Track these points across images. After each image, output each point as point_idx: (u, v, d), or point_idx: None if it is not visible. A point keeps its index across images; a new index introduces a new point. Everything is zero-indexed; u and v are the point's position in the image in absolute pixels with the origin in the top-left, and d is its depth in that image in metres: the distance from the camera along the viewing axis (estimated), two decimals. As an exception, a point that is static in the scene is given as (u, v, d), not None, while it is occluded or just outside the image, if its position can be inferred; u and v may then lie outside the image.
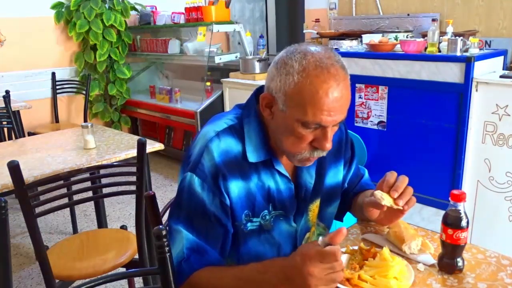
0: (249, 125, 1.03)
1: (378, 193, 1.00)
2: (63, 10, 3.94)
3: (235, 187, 0.99)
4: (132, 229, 1.94)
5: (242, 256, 1.05)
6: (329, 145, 0.94)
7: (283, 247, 1.09)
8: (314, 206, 1.13)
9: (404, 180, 1.02)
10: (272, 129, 1.02)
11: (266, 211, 1.04)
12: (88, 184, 1.69)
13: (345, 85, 0.92)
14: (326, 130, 0.93)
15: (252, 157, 1.01)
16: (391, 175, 1.03)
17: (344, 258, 0.99)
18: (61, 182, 1.61)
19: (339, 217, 1.30)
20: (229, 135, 1.01)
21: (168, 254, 0.91)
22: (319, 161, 1.11)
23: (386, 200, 1.00)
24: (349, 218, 1.31)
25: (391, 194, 1.00)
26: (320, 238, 0.82)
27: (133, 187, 1.71)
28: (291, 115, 0.93)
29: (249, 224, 1.03)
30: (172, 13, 4.08)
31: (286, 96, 0.93)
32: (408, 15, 3.33)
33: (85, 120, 3.90)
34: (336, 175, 1.18)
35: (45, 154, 2.02)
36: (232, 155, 1.00)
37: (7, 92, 2.97)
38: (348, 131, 1.24)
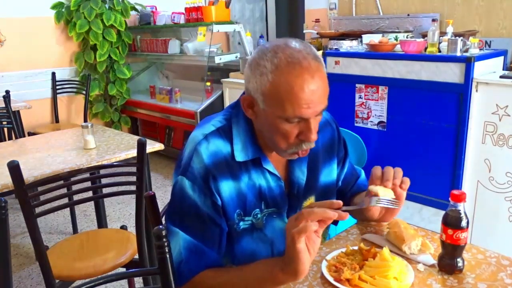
0: (237, 125, 1.04)
1: (374, 188, 0.99)
2: (63, 10, 3.94)
3: (226, 187, 1.00)
4: (132, 229, 1.94)
5: (237, 254, 1.06)
6: (314, 136, 0.95)
7: (276, 245, 1.09)
8: (308, 204, 1.13)
9: (389, 169, 1.03)
10: (258, 128, 1.03)
11: (257, 209, 1.05)
12: (88, 184, 1.69)
13: (320, 76, 0.92)
14: (309, 121, 0.93)
15: (239, 156, 1.02)
16: (376, 169, 1.04)
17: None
18: (61, 182, 1.61)
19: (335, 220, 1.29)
20: (217, 137, 1.02)
21: (168, 254, 0.91)
22: (310, 158, 1.11)
23: (382, 194, 1.00)
24: (349, 218, 1.31)
25: (385, 185, 1.00)
26: None
27: (133, 187, 1.71)
28: (272, 113, 0.94)
29: (241, 223, 1.04)
30: (172, 13, 4.09)
31: (264, 96, 0.94)
32: (408, 15, 3.33)
33: (85, 120, 3.90)
34: (330, 174, 1.18)
35: (45, 154, 2.02)
36: (221, 156, 1.01)
37: (7, 92, 2.97)
38: (348, 131, 1.25)
